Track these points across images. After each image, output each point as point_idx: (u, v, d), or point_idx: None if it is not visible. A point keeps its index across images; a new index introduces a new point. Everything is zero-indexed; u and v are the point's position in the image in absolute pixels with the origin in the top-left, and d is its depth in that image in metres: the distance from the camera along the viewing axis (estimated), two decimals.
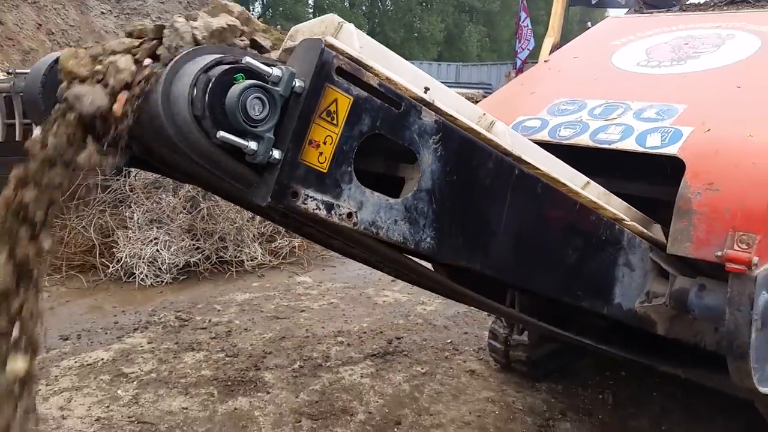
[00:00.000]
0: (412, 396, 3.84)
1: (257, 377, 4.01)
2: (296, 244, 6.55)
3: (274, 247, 6.36)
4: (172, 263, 5.67)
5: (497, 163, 1.59)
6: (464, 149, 1.51)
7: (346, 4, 39.34)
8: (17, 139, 5.85)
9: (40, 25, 8.07)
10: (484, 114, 1.61)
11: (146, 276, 5.55)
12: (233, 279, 5.87)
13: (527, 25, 15.48)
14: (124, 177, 6.15)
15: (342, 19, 1.33)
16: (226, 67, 1.21)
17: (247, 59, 1.20)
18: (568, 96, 2.86)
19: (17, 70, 5.98)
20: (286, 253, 6.42)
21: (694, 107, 2.46)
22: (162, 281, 5.60)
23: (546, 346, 4.03)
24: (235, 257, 6.02)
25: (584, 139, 2.51)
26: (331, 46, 1.23)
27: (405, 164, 1.54)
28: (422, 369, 4.19)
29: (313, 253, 6.67)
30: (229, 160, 1.23)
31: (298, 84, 1.22)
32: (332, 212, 1.31)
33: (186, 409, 3.58)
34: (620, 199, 2.24)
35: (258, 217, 6.35)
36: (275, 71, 1.20)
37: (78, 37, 8.83)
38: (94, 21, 9.40)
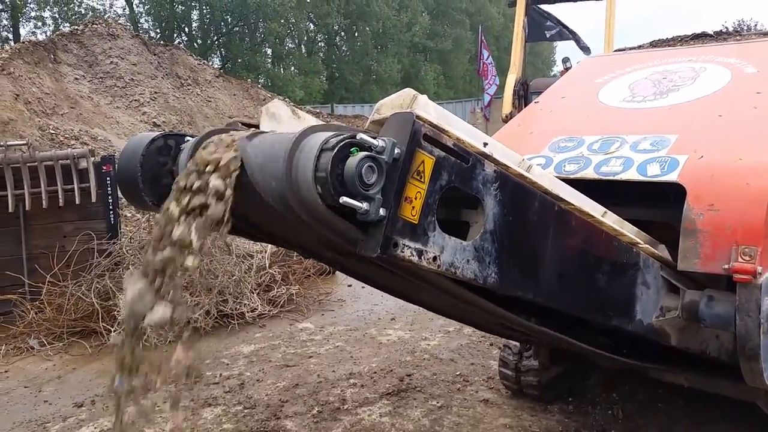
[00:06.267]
0: (434, 430, 3.95)
1: (279, 426, 4.08)
2: (293, 291, 6.65)
3: (272, 297, 6.45)
4: None
5: (541, 203, 1.81)
6: (516, 193, 1.73)
7: (304, 52, 40.02)
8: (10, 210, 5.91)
9: (18, 95, 8.15)
10: (523, 159, 1.83)
11: (149, 336, 5.56)
12: (236, 332, 5.93)
13: (491, 62, 16.14)
14: (119, 240, 6.21)
15: (416, 92, 1.56)
16: (343, 142, 1.40)
17: (361, 135, 1.41)
18: (565, 134, 3.11)
19: (8, 143, 6.07)
20: (284, 301, 6.52)
21: (684, 137, 2.73)
22: (165, 340, 5.62)
23: (554, 368, 4.20)
24: (236, 310, 6.09)
25: (589, 173, 2.76)
26: (419, 117, 1.45)
27: (467, 210, 1.75)
28: (437, 403, 4.31)
29: (310, 299, 6.78)
30: (340, 220, 1.42)
31: (396, 151, 1.42)
32: (422, 257, 1.50)
33: None
34: (630, 224, 2.47)
35: (254, 268, 6.45)
36: (380, 143, 1.41)
37: (54, 104, 8.91)
38: (68, 87, 9.50)
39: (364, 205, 1.40)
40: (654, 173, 2.60)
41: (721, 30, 4.10)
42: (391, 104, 1.61)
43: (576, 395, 4.27)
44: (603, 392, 4.32)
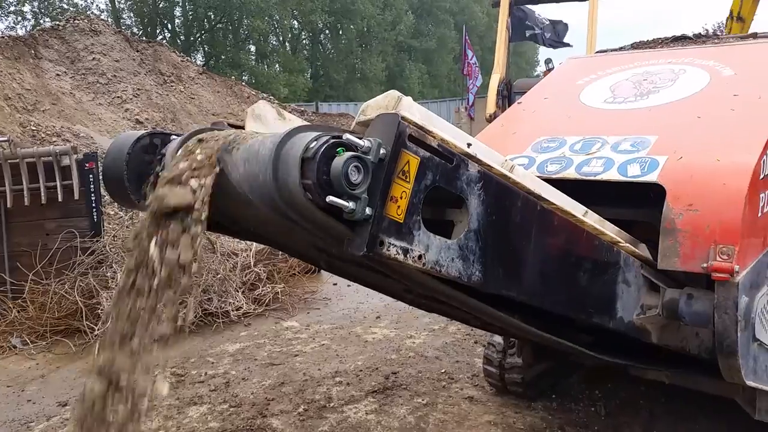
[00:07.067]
0: (419, 427, 3.98)
1: (265, 424, 4.08)
2: (278, 290, 6.65)
3: (257, 295, 6.45)
4: None
5: (524, 202, 1.85)
6: (500, 193, 1.77)
7: (288, 49, 39.90)
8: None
9: None
10: (506, 159, 1.87)
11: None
12: (221, 330, 5.92)
13: (475, 63, 16.27)
14: (103, 237, 6.17)
15: (401, 94, 1.59)
16: (330, 142, 1.42)
17: (347, 135, 1.43)
18: (547, 134, 3.15)
19: None
20: (270, 299, 6.52)
21: (663, 138, 2.78)
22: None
23: (537, 366, 4.25)
24: (221, 308, 6.08)
25: (571, 173, 2.80)
26: (404, 118, 1.48)
27: (452, 209, 1.78)
28: (423, 400, 4.34)
29: (296, 297, 6.78)
30: (328, 219, 1.44)
31: (382, 151, 1.45)
32: (407, 255, 1.53)
33: None
34: (611, 224, 2.51)
35: (239, 266, 6.44)
36: (366, 143, 1.43)
37: (35, 100, 8.81)
38: (50, 83, 9.39)
39: (350, 205, 1.43)
40: (634, 174, 2.64)
41: (700, 33, 4.17)
42: (376, 105, 1.63)
43: (559, 392, 4.33)
44: (586, 390, 4.37)
